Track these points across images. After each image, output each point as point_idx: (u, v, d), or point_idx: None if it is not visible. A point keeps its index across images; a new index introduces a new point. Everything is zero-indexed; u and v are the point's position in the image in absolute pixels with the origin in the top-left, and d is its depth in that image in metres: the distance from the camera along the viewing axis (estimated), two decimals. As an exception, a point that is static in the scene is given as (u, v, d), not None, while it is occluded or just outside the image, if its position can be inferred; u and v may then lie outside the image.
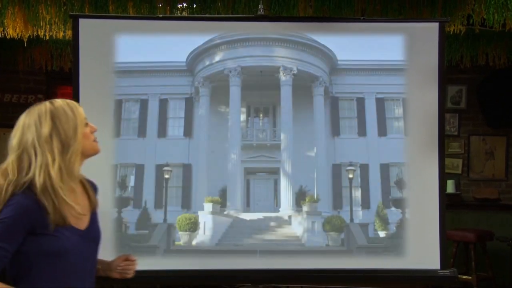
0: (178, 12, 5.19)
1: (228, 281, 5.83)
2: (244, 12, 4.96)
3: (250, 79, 4.35)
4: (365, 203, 4.31)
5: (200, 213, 4.27)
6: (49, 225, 2.45)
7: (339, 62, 4.33)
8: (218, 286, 6.79)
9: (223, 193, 4.28)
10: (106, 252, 4.03)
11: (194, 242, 4.27)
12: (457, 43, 6.46)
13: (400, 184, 4.23)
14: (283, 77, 4.28)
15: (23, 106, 7.78)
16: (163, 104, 4.38)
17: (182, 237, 4.25)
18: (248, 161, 4.29)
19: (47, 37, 5.34)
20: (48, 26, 5.12)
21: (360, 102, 4.41)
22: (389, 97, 4.35)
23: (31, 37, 5.35)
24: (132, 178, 4.25)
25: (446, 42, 4.92)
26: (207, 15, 4.99)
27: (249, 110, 4.38)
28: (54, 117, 2.61)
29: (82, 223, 2.62)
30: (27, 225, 2.42)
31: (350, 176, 4.34)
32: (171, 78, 4.38)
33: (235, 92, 4.33)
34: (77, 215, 2.56)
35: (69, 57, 6.47)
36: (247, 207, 4.46)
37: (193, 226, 4.25)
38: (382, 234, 4.24)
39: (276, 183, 4.32)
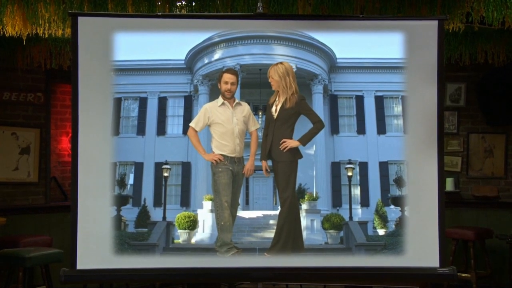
0: (177, 10, 5.19)
1: (227, 279, 5.84)
2: (243, 10, 4.95)
3: (249, 77, 4.36)
4: (364, 201, 4.31)
5: (199, 211, 4.28)
6: None
7: (338, 60, 4.33)
8: (217, 284, 6.81)
9: (222, 191, 4.28)
10: (105, 250, 4.07)
11: (193, 240, 4.28)
12: (456, 41, 6.46)
13: (399, 182, 4.23)
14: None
15: (22, 104, 7.83)
16: (162, 102, 4.38)
17: (181, 235, 4.26)
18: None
19: (46, 35, 5.33)
20: (47, 24, 5.11)
21: (359, 100, 4.42)
22: (388, 95, 4.35)
23: (30, 35, 5.34)
24: (131, 176, 4.25)
25: (445, 40, 4.91)
26: (206, 13, 4.99)
27: (248, 108, 4.38)
28: None
29: None
30: None
31: (349, 174, 4.34)
32: (170, 76, 4.38)
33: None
34: None
35: (68, 55, 6.46)
36: (246, 205, 4.47)
37: (192, 224, 4.26)
38: (381, 232, 4.24)
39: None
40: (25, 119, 7.39)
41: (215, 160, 4.20)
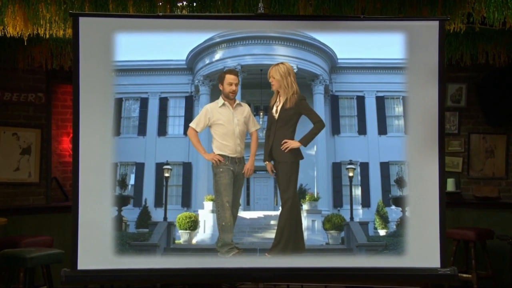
0: (178, 10, 5.18)
1: (228, 280, 5.84)
2: (244, 11, 4.95)
3: (250, 78, 4.36)
4: (365, 202, 4.31)
5: (200, 211, 4.28)
6: None
7: (339, 61, 4.33)
8: (218, 284, 6.81)
9: (223, 192, 4.28)
10: (106, 250, 4.08)
11: (194, 241, 4.27)
12: (457, 41, 6.45)
13: (400, 182, 4.23)
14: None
15: (23, 105, 7.84)
16: (163, 103, 4.38)
17: (182, 236, 4.26)
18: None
19: (47, 36, 5.34)
20: (48, 25, 5.11)
21: (360, 100, 4.41)
22: (389, 96, 4.35)
23: (31, 35, 5.34)
24: (132, 176, 4.25)
25: (446, 40, 4.91)
26: (207, 14, 4.99)
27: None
28: None
29: None
30: None
31: (350, 174, 4.34)
32: (171, 77, 4.39)
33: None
34: None
35: (69, 56, 6.47)
36: (247, 206, 4.47)
37: (193, 225, 4.26)
38: (382, 232, 4.24)
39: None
40: (26, 119, 7.39)
41: (215, 161, 4.20)
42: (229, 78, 4.23)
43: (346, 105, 4.41)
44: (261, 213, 4.43)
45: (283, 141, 4.19)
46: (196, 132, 4.22)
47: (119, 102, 4.22)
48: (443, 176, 4.18)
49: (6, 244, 6.12)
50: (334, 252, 4.28)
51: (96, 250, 4.07)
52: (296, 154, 4.21)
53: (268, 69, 4.21)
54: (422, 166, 4.17)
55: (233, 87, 4.23)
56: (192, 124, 4.22)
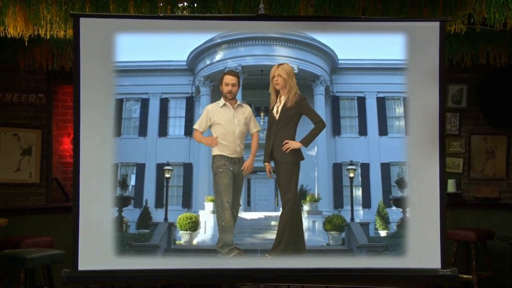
0: (179, 11, 5.19)
1: (228, 280, 5.84)
2: (244, 11, 4.96)
3: (251, 78, 4.36)
4: (366, 202, 4.31)
5: (200, 212, 4.28)
6: None
7: (339, 61, 4.33)
8: (218, 285, 6.81)
9: (224, 192, 4.28)
10: (107, 251, 4.08)
11: (194, 241, 4.27)
12: (458, 42, 6.46)
13: (400, 183, 4.23)
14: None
15: (24, 105, 7.83)
16: (164, 103, 4.38)
17: (182, 236, 4.26)
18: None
19: (48, 36, 5.34)
20: (49, 25, 5.12)
21: (361, 101, 4.41)
22: (390, 96, 4.35)
23: (32, 36, 5.34)
24: (133, 177, 4.25)
25: (446, 41, 4.91)
26: (208, 14, 4.99)
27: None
28: None
29: None
30: None
31: (351, 175, 4.34)
32: (172, 77, 4.39)
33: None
34: None
35: (70, 56, 6.47)
36: (248, 207, 4.47)
37: (193, 226, 4.26)
38: (382, 233, 4.24)
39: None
40: (26, 120, 7.39)
41: (210, 144, 4.20)
42: (227, 78, 4.24)
43: (347, 106, 4.41)
44: (261, 214, 4.43)
45: (284, 142, 4.19)
46: (201, 133, 4.24)
47: (119, 103, 4.22)
48: (444, 177, 4.18)
49: (6, 245, 6.12)
50: (334, 253, 4.28)
51: (96, 250, 4.07)
52: (297, 155, 4.21)
53: (269, 69, 4.21)
54: (422, 167, 4.17)
55: (230, 87, 4.24)
56: (195, 126, 4.24)
